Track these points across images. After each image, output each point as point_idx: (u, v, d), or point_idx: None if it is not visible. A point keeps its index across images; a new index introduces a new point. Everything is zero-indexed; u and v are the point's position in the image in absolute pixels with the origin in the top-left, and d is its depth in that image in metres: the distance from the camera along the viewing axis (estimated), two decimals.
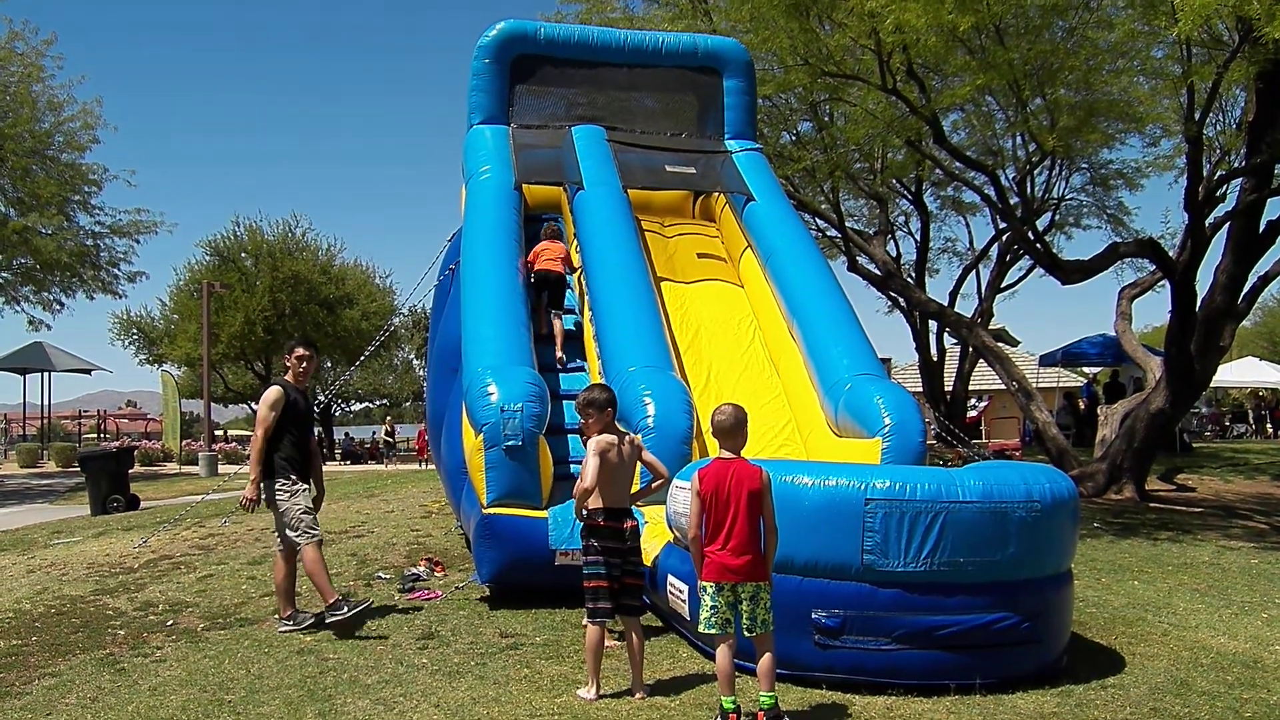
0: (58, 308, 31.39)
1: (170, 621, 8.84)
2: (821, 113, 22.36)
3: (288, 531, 8.56)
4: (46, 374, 41.86)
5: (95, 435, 51.00)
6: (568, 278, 12.46)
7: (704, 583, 6.10)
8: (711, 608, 6.04)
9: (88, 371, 42.94)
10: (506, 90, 14.26)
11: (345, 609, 8.28)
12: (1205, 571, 11.36)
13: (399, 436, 44.33)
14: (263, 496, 8.59)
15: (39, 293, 30.70)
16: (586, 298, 11.74)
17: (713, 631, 6.06)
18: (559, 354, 11.80)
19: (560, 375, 11.15)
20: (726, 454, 6.26)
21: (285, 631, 8.41)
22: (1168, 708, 6.41)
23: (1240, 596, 10.03)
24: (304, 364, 8.93)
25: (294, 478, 8.62)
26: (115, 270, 31.64)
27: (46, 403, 44.03)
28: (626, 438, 6.91)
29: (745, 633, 6.05)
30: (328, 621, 8.32)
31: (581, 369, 11.64)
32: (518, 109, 14.42)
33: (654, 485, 7.17)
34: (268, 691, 6.76)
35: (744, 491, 6.07)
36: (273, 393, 8.68)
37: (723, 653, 6.00)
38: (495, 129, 13.96)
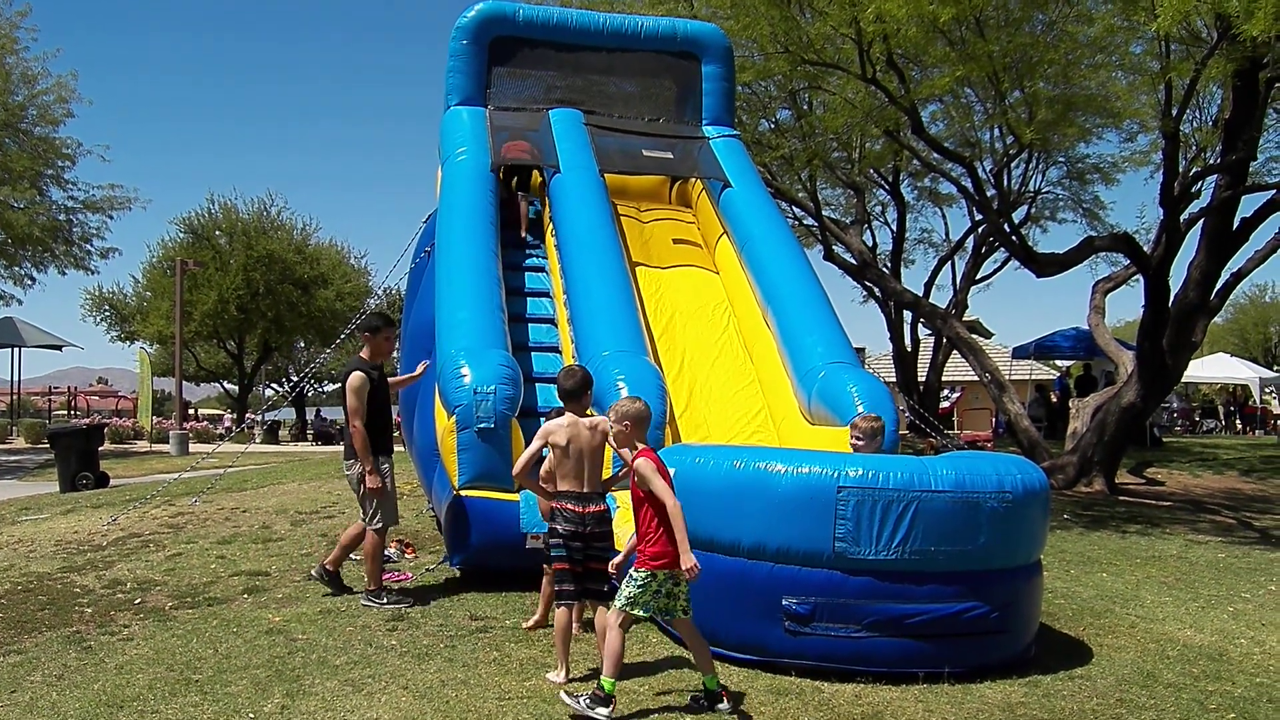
0: (29, 283, 31.27)
1: (138, 600, 8.79)
2: (800, 101, 22.36)
3: (361, 515, 8.84)
4: (16, 350, 41.48)
5: (65, 412, 50.67)
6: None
7: (655, 571, 6.07)
8: (654, 593, 6.08)
9: (58, 348, 42.57)
10: (484, 72, 14.17)
11: (384, 599, 8.52)
12: (1173, 565, 11.43)
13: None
14: (351, 473, 8.87)
15: (10, 267, 30.55)
16: (561, 281, 11.72)
17: (646, 616, 6.14)
18: (524, 234, 12.99)
19: (533, 356, 11.10)
20: (644, 445, 6.28)
21: (366, 605, 8.53)
22: (1134, 699, 6.44)
23: (1207, 590, 10.10)
24: (388, 342, 9.18)
25: (379, 459, 8.78)
26: (88, 246, 31.54)
27: (16, 379, 43.69)
28: (587, 423, 6.87)
29: (681, 614, 6.14)
30: (362, 603, 8.52)
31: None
32: (495, 91, 14.33)
33: (621, 474, 7.16)
34: (235, 671, 6.72)
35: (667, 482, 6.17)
36: (356, 379, 8.75)
37: (615, 638, 6.04)
38: (472, 111, 13.88)
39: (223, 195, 50.58)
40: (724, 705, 6.01)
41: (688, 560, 5.91)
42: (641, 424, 6.35)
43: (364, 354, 9.07)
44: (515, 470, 6.75)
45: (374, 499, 8.69)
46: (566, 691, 6.00)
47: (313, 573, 8.88)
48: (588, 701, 5.85)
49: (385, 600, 8.51)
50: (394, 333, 9.44)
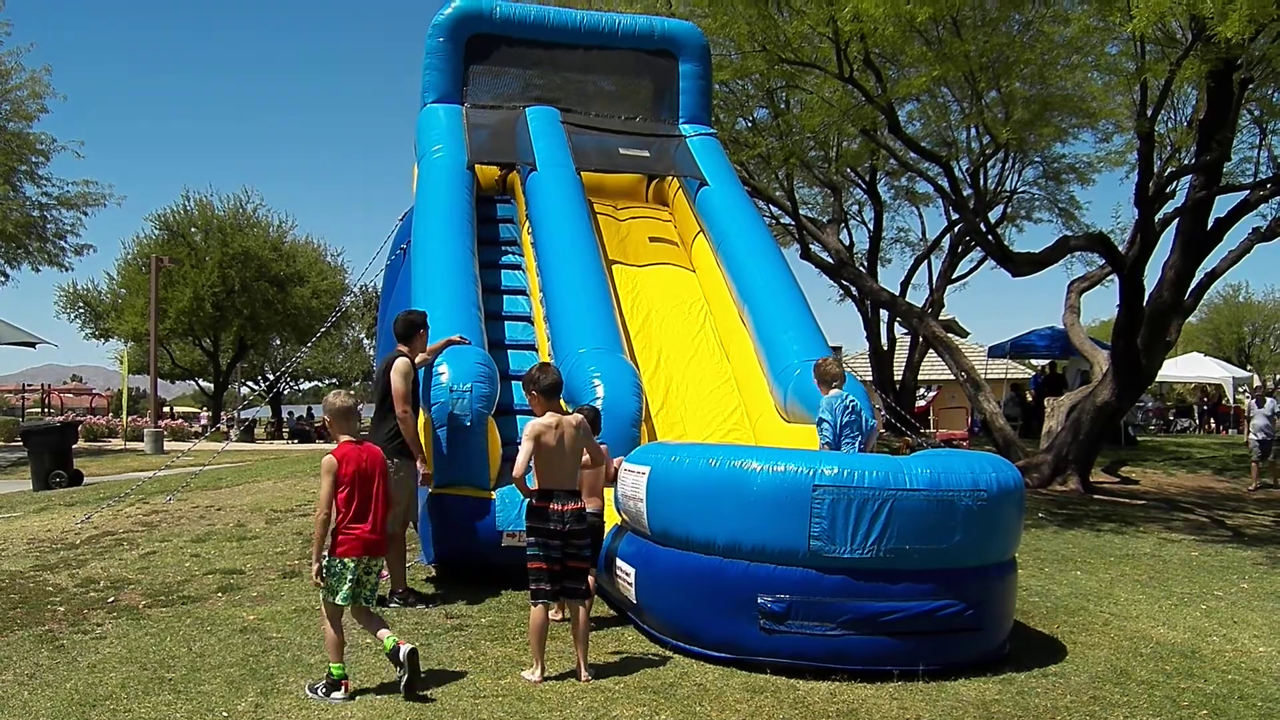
0: (2, 279, 31.08)
1: (111, 598, 8.74)
2: (778, 99, 22.36)
3: None
4: None
5: (39, 409, 50.38)
6: None
7: (344, 558, 6.40)
8: (350, 580, 6.38)
9: (32, 345, 42.20)
10: (461, 69, 14.14)
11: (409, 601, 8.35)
12: (1147, 563, 11.50)
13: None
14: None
15: None
16: (538, 278, 11.70)
17: (347, 604, 6.41)
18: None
19: (509, 354, 11.07)
20: (351, 438, 6.62)
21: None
22: (1107, 696, 6.48)
23: (1180, 588, 10.16)
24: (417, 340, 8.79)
25: (403, 460, 8.41)
26: (62, 242, 31.38)
27: None
28: (571, 421, 6.85)
29: (364, 602, 6.51)
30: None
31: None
32: (472, 88, 14.30)
33: (589, 468, 7.13)
34: (209, 670, 6.70)
35: (377, 472, 6.59)
36: (404, 362, 8.44)
37: (340, 626, 6.43)
38: (449, 108, 13.84)
39: (198, 192, 50.23)
40: (339, 694, 6.21)
41: (313, 566, 6.41)
42: (339, 418, 6.69)
43: (402, 347, 8.75)
44: (516, 473, 6.67)
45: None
46: (310, 686, 6.29)
47: (393, 603, 8.42)
48: (323, 689, 6.20)
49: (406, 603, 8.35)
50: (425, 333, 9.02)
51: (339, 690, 6.20)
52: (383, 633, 6.38)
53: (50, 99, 28.97)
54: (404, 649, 6.16)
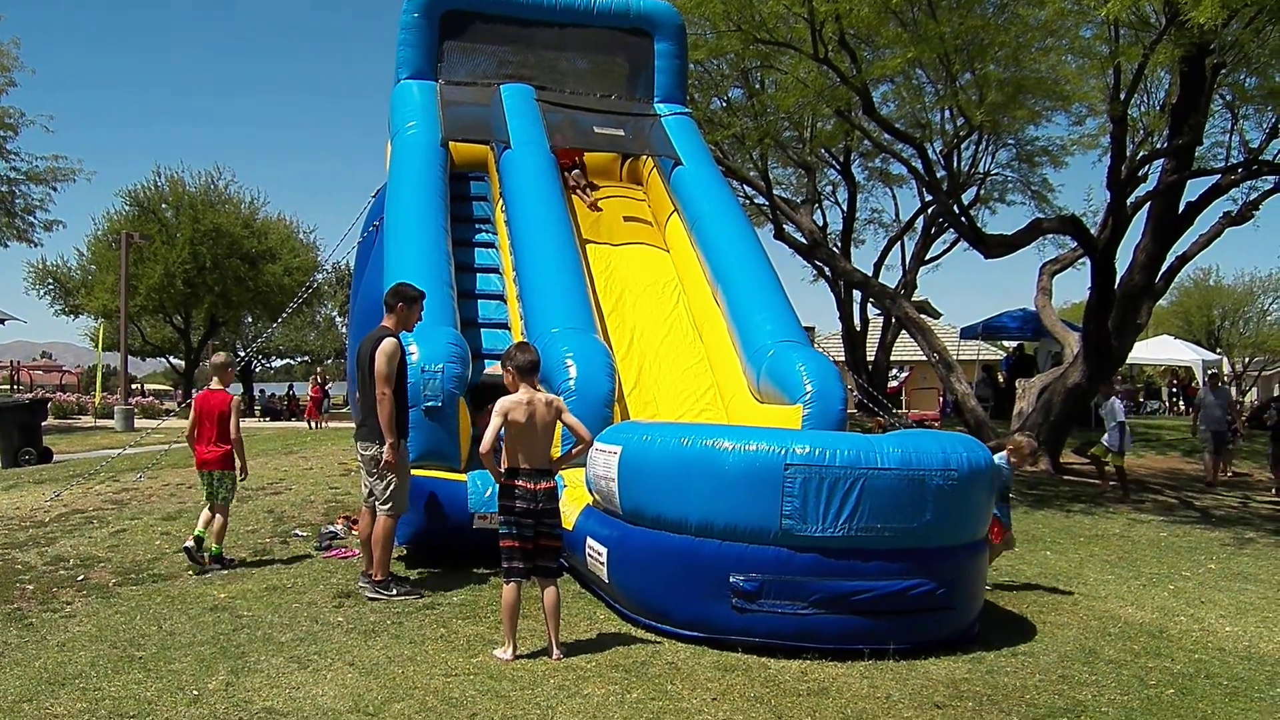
0: None
1: (81, 576, 8.70)
2: (752, 79, 22.38)
3: (375, 498, 8.18)
4: None
5: (8, 386, 49.94)
6: None
7: (200, 470, 9.37)
8: (203, 485, 9.37)
9: (1, 321, 42.02)
10: (435, 46, 14.06)
11: (394, 591, 8.02)
12: (1115, 543, 11.59)
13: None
14: (369, 454, 8.21)
15: None
16: (511, 257, 11.66)
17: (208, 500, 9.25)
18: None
19: (482, 333, 11.03)
20: (215, 388, 9.47)
21: (372, 598, 8.11)
22: (1076, 675, 6.52)
23: (1148, 568, 10.24)
24: (413, 314, 8.46)
25: (402, 441, 8.22)
26: (31, 218, 31.02)
27: None
28: (543, 399, 6.81)
29: (211, 500, 9.27)
30: (368, 595, 8.00)
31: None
32: (446, 65, 14.23)
33: (574, 451, 7.08)
34: (180, 648, 6.67)
35: (216, 411, 9.31)
36: (390, 344, 8.07)
37: (207, 513, 9.29)
38: (423, 84, 13.77)
39: (169, 168, 49.67)
40: (216, 567, 9.08)
41: None
42: (212, 370, 9.76)
43: (388, 324, 8.32)
44: (483, 449, 6.60)
45: (390, 480, 8.10)
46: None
47: (366, 594, 8.05)
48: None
49: (395, 592, 8.00)
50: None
51: (220, 565, 9.12)
52: (205, 533, 9.15)
53: (18, 72, 28.68)
54: (194, 553, 9.07)
